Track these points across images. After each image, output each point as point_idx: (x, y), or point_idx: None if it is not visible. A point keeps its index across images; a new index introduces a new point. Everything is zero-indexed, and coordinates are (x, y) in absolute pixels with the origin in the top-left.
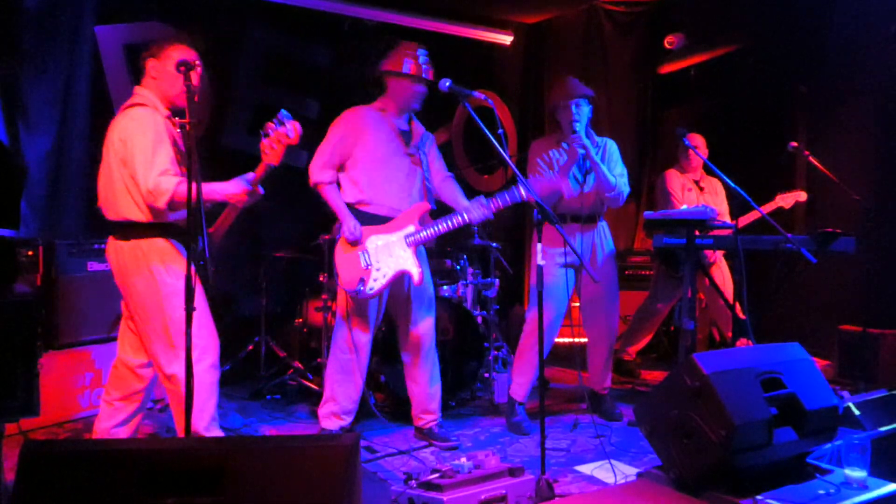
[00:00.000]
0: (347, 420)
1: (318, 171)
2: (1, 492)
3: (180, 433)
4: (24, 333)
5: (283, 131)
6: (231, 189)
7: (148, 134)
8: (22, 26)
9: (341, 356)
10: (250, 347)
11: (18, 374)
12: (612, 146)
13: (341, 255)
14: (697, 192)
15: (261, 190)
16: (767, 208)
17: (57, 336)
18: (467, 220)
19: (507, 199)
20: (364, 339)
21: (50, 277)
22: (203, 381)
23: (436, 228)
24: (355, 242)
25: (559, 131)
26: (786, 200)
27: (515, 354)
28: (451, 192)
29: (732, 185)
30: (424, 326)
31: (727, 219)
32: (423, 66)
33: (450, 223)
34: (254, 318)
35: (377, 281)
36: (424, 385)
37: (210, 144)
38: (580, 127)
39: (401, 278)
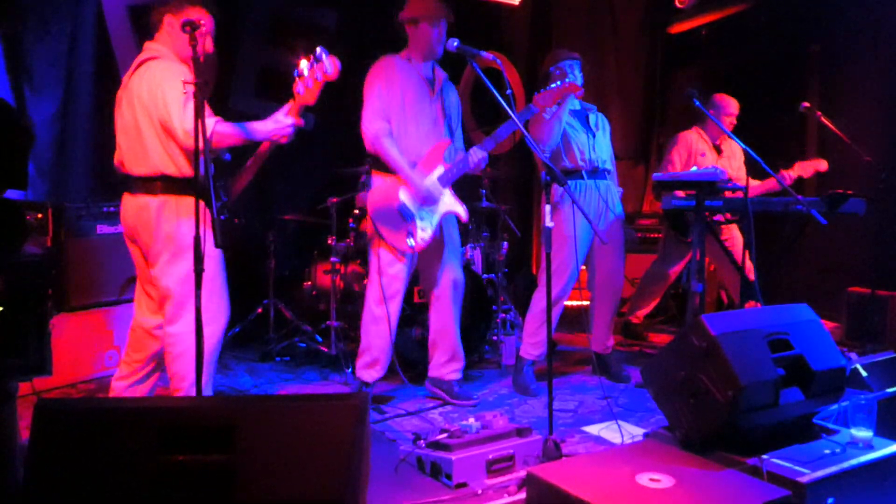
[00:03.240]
0: (382, 371)
1: (373, 123)
2: (17, 449)
3: (172, 392)
4: (35, 293)
5: (321, 66)
6: (272, 126)
7: (176, 80)
8: None
9: (374, 308)
10: (259, 310)
11: (30, 334)
12: (604, 118)
13: (379, 216)
14: (714, 155)
15: (301, 121)
16: (785, 177)
17: (67, 299)
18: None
19: (500, 133)
20: (396, 290)
21: (59, 240)
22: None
23: (462, 164)
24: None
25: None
26: (805, 169)
27: (527, 314)
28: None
29: (753, 154)
30: (457, 271)
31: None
32: (435, 7)
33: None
34: (263, 280)
35: (425, 230)
36: (453, 331)
37: (218, 108)
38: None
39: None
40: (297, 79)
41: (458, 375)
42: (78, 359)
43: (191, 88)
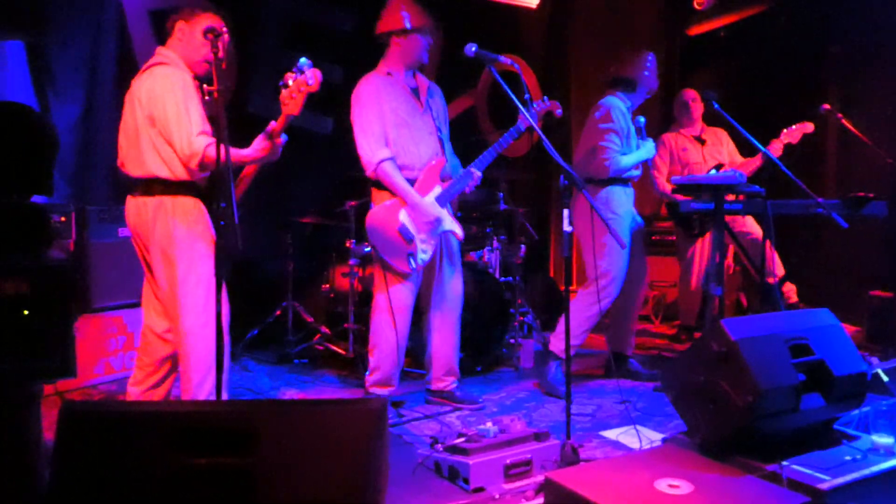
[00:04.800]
0: (394, 387)
1: (374, 150)
2: (41, 449)
3: (181, 393)
4: (60, 297)
5: (303, 79)
6: (255, 148)
7: (178, 92)
8: None
9: (384, 324)
10: (278, 312)
11: (55, 337)
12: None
13: (379, 238)
14: (698, 146)
15: (283, 138)
16: (775, 147)
17: (89, 300)
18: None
19: (507, 138)
20: (404, 305)
21: (82, 243)
22: (203, 352)
23: (457, 185)
24: (434, 223)
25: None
26: (792, 135)
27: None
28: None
29: (737, 125)
30: (457, 284)
31: (736, 158)
32: (422, 15)
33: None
34: (281, 283)
35: (426, 252)
36: (452, 346)
37: (237, 112)
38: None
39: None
40: (282, 90)
41: (455, 385)
42: (100, 360)
43: (194, 94)
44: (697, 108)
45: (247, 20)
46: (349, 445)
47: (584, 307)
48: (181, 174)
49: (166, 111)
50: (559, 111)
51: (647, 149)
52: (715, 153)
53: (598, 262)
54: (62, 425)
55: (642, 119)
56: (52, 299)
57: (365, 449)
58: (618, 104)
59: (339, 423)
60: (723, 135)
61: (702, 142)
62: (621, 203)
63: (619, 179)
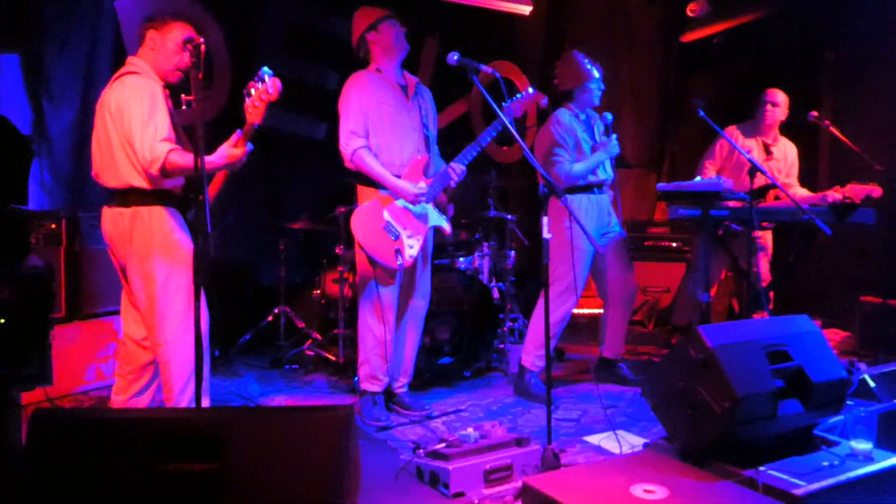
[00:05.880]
0: (384, 381)
1: (349, 140)
2: (21, 454)
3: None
4: (38, 304)
5: (264, 87)
6: (220, 155)
7: (145, 100)
8: None
9: (370, 320)
10: (270, 318)
11: (33, 344)
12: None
13: (366, 234)
14: (763, 156)
15: (249, 146)
16: (832, 195)
17: (81, 306)
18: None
19: (486, 136)
20: (390, 302)
21: (73, 249)
22: (184, 360)
23: (440, 181)
24: (417, 199)
25: (571, 102)
26: (855, 195)
27: (530, 324)
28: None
29: (723, 133)
30: (427, 288)
31: (795, 189)
32: (380, 8)
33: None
34: (273, 288)
35: (413, 247)
36: (413, 347)
37: (232, 117)
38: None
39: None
40: (245, 98)
41: (405, 390)
42: (91, 366)
43: (162, 103)
44: (772, 115)
45: (244, 26)
46: (316, 452)
47: (538, 314)
48: (156, 183)
49: (131, 118)
50: (544, 101)
51: (607, 148)
52: (773, 168)
53: (555, 266)
54: (32, 433)
55: (609, 116)
56: (30, 307)
57: (332, 455)
58: (563, 115)
59: (306, 429)
60: (790, 150)
61: (768, 153)
62: (584, 211)
63: (580, 188)
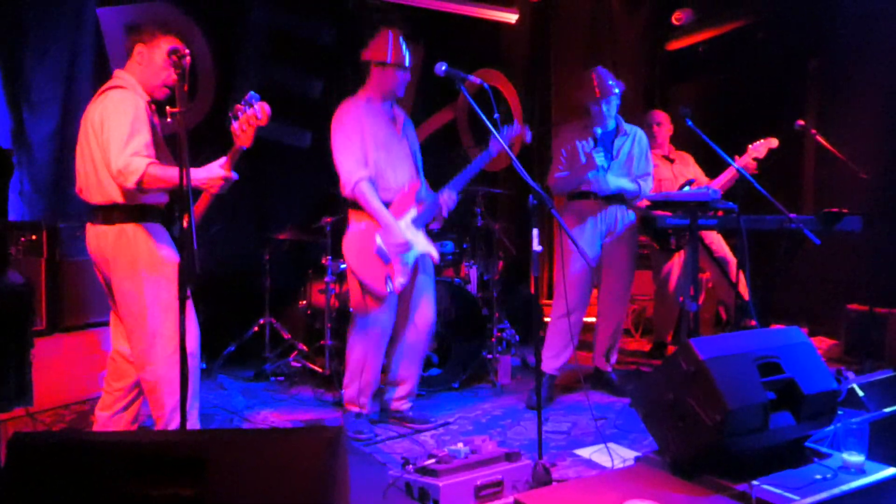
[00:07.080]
0: (368, 405)
1: (354, 169)
2: None
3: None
4: (17, 322)
5: (252, 113)
6: (204, 175)
7: (127, 115)
8: (24, 6)
9: (359, 343)
10: (255, 328)
11: (11, 362)
12: (641, 138)
13: (357, 258)
14: (667, 164)
15: (234, 175)
16: (744, 163)
17: (62, 319)
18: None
19: (479, 162)
20: (382, 324)
21: (55, 261)
22: (175, 378)
23: (433, 206)
24: (404, 246)
25: (588, 117)
26: (758, 150)
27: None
28: None
29: (711, 143)
30: (431, 306)
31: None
32: (404, 53)
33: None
34: (259, 299)
35: (402, 275)
36: (419, 367)
37: (216, 127)
38: (610, 123)
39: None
40: (232, 121)
41: (409, 406)
42: (72, 379)
43: (154, 117)
44: (662, 132)
45: (228, 33)
46: (303, 474)
47: (553, 324)
48: (133, 198)
49: (110, 131)
50: (528, 138)
51: (591, 161)
52: (684, 171)
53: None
54: (10, 457)
55: (598, 130)
56: (8, 324)
57: (319, 477)
58: (565, 129)
59: (293, 451)
60: (688, 157)
61: (670, 160)
62: (577, 217)
63: (574, 195)
